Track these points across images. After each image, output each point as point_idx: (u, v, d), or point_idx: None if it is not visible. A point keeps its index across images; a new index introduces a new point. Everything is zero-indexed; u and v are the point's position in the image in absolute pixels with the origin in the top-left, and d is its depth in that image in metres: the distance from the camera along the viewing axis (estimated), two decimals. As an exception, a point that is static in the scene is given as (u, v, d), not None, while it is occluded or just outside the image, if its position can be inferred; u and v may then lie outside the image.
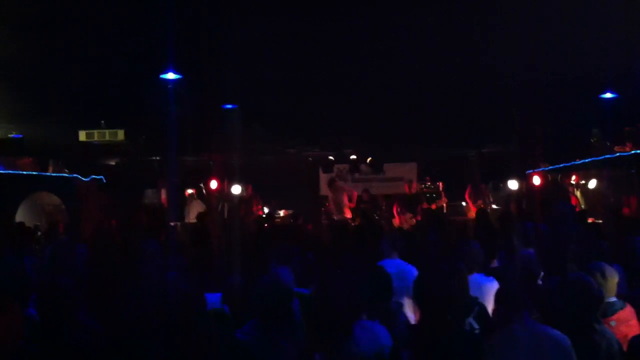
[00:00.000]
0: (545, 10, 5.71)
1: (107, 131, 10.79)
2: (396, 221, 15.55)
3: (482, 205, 15.91)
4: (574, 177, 16.04)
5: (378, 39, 6.72)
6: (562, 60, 7.29)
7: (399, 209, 15.76)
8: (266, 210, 18.14)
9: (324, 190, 20.24)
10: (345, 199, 16.06)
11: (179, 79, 6.73)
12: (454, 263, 5.25)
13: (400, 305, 4.93)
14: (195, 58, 6.38)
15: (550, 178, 16.93)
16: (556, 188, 16.01)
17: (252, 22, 5.80)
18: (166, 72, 6.50)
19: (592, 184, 15.64)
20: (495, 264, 6.65)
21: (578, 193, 15.90)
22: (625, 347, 4.46)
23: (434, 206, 17.04)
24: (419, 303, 4.28)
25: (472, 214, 14.87)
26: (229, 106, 8.49)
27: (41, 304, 4.23)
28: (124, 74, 7.28)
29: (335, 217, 15.06)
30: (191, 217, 16.09)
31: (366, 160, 18.67)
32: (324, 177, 19.88)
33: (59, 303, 4.13)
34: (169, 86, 6.90)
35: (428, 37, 6.67)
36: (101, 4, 5.30)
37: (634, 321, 4.67)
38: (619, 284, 5.04)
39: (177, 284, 4.85)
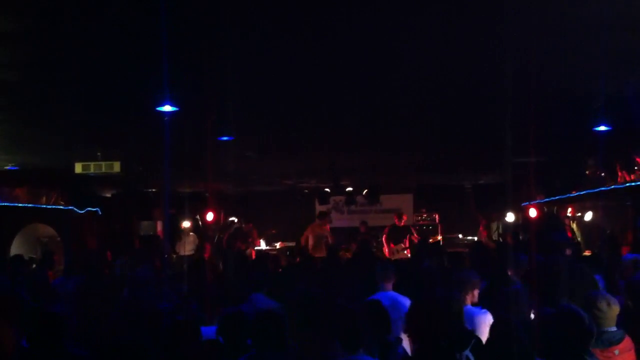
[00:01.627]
0: (539, 38, 5.76)
1: (103, 163, 10.79)
2: (385, 251, 15.54)
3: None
4: (569, 210, 16.09)
5: (374, 70, 6.78)
6: (556, 92, 7.36)
7: (389, 240, 15.78)
8: (262, 242, 18.14)
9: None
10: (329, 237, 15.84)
11: (175, 111, 6.76)
12: (449, 291, 5.28)
13: (400, 340, 4.91)
14: (192, 91, 6.43)
15: (546, 210, 16.99)
16: (552, 220, 16.05)
17: (247, 54, 5.86)
18: (163, 105, 6.53)
19: (588, 216, 15.70)
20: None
21: (574, 225, 15.93)
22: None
23: (431, 239, 17.07)
24: (412, 333, 4.28)
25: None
26: (225, 138, 8.52)
27: (31, 330, 4.22)
28: (121, 106, 7.32)
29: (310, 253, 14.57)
30: (186, 249, 16.07)
31: (362, 192, 18.68)
32: (319, 209, 19.89)
33: (48, 331, 4.12)
34: (165, 118, 6.93)
35: (422, 69, 6.73)
36: (98, 36, 5.34)
37: (633, 351, 4.69)
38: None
39: (173, 315, 4.85)
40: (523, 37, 5.51)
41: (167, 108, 6.54)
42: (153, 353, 3.88)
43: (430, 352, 3.93)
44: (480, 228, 17.42)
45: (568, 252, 9.40)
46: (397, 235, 15.86)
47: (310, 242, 15.58)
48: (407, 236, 15.82)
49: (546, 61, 6.19)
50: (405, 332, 4.56)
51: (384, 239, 15.98)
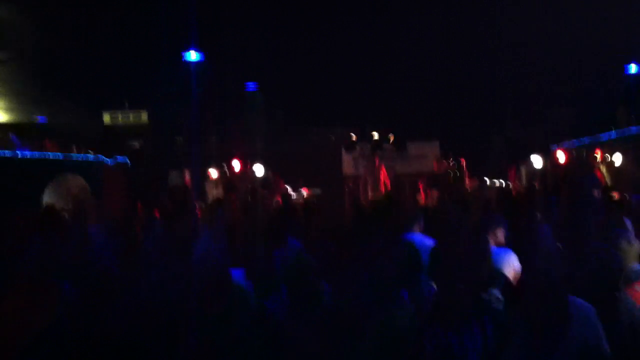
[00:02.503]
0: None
1: (130, 113, 10.87)
2: (422, 198, 15.57)
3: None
4: (599, 153, 15.91)
5: (401, 17, 6.68)
6: (586, 32, 7.20)
7: (425, 187, 15.82)
8: (289, 190, 18.21)
9: (347, 169, 20.26)
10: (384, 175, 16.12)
11: (201, 58, 6.75)
12: (470, 233, 5.30)
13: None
14: (217, 36, 6.40)
15: (574, 154, 16.81)
16: (581, 164, 15.91)
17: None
18: (188, 51, 6.52)
19: (617, 159, 15.51)
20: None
21: (603, 168, 15.78)
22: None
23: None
24: (434, 274, 4.32)
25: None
26: (251, 85, 8.49)
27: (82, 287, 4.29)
28: (147, 53, 7.32)
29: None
30: (212, 197, 16.21)
31: (389, 138, 18.60)
32: (346, 156, 19.88)
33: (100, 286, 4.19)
34: (192, 66, 6.92)
35: (452, 16, 6.61)
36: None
37: (658, 287, 4.70)
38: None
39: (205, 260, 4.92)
40: None
41: (193, 55, 6.52)
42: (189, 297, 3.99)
43: (448, 291, 3.97)
44: (512, 172, 17.32)
45: (596, 194, 9.37)
46: (434, 182, 16.00)
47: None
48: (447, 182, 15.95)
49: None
50: (428, 273, 4.61)
51: (420, 186, 16.06)
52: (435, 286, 4.41)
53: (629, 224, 6.46)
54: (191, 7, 4.87)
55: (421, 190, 15.90)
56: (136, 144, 16.90)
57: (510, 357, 3.56)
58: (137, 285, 4.64)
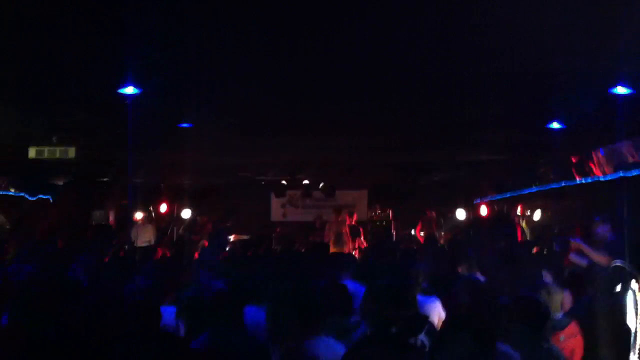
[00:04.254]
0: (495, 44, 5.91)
1: (57, 148, 10.57)
2: (349, 246, 15.81)
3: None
4: (519, 208, 16.48)
5: (335, 71, 6.86)
6: (510, 90, 7.53)
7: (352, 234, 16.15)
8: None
9: (275, 215, 20.28)
10: (347, 232, 16.33)
11: (136, 94, 6.70)
12: (399, 278, 5.43)
13: (360, 323, 5.00)
14: (154, 73, 6.38)
15: (496, 208, 17.36)
16: (501, 218, 16.42)
17: (213, 36, 5.85)
18: (125, 86, 6.47)
19: (537, 215, 16.12)
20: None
21: (524, 223, 16.32)
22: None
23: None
24: (366, 318, 4.40)
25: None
26: (185, 125, 8.46)
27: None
28: (80, 87, 7.20)
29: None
30: (140, 240, 15.91)
31: (318, 186, 18.78)
32: (275, 202, 19.91)
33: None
34: (127, 101, 6.85)
35: (383, 65, 6.81)
36: (56, 15, 5.26)
37: (579, 336, 4.89)
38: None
39: (134, 296, 4.85)
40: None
41: (129, 90, 6.48)
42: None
43: (382, 336, 4.04)
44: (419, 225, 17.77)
45: (502, 243, 9.80)
46: (352, 235, 16.30)
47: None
48: (359, 236, 16.34)
49: (504, 50, 6.31)
50: (361, 317, 4.67)
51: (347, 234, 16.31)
52: (365, 326, 4.47)
53: (547, 275, 6.74)
54: (128, 41, 4.88)
55: (346, 239, 16.18)
56: (60, 181, 16.49)
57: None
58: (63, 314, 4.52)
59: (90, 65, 6.21)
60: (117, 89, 6.52)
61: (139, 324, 4.14)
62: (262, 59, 6.48)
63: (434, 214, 17.63)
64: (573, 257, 7.86)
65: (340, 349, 4.11)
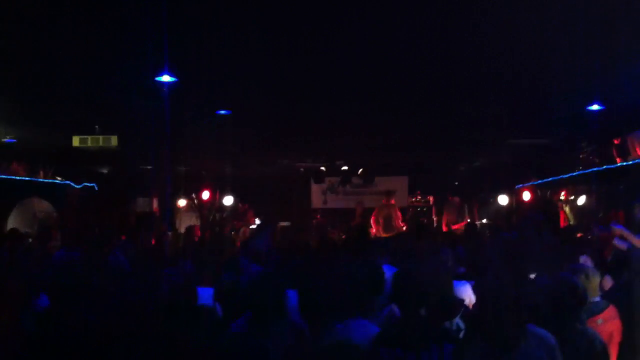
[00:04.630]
0: (533, 20, 5.84)
1: (100, 137, 10.80)
2: (372, 231, 15.71)
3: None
4: (563, 193, 16.21)
5: (371, 49, 6.84)
6: (549, 71, 7.43)
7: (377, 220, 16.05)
8: (258, 221, 18.21)
9: (315, 202, 20.33)
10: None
11: (174, 82, 6.80)
12: (431, 263, 5.43)
13: (388, 303, 5.03)
14: (191, 60, 6.47)
15: (539, 193, 17.11)
16: (545, 203, 16.18)
17: (248, 24, 5.90)
18: (161, 75, 6.57)
19: (581, 200, 15.83)
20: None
21: (567, 209, 16.05)
22: (611, 345, 4.60)
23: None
24: (395, 299, 4.43)
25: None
26: (223, 112, 8.55)
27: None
28: (119, 76, 7.35)
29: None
30: (182, 227, 16.15)
31: (357, 172, 18.75)
32: (315, 189, 19.95)
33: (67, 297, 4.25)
34: (164, 89, 6.97)
35: (419, 49, 6.78)
36: (95, 3, 5.37)
37: (618, 320, 4.83)
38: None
39: (171, 278, 4.95)
40: (512, 14, 5.58)
41: (166, 78, 6.58)
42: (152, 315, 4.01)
43: (409, 317, 4.06)
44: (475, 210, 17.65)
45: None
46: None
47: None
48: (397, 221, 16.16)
49: (535, 39, 6.25)
50: (391, 298, 4.70)
51: (372, 219, 16.18)
52: (397, 309, 4.49)
53: (587, 260, 6.65)
54: (165, 28, 4.95)
55: (372, 223, 16.11)
56: (104, 169, 16.83)
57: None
58: (105, 297, 4.65)
59: (128, 53, 6.33)
60: (155, 77, 6.63)
61: (175, 307, 4.22)
62: (296, 47, 6.54)
63: (456, 199, 17.49)
64: (616, 242, 7.73)
65: (373, 330, 4.14)
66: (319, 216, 19.69)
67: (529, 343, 3.70)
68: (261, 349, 3.67)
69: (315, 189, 20.04)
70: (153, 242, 10.50)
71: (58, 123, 10.77)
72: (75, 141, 10.94)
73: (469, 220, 17.14)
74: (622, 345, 4.80)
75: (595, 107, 8.09)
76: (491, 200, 18.25)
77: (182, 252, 9.24)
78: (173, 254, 9.86)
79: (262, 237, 9.57)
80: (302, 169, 19.04)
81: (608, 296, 5.19)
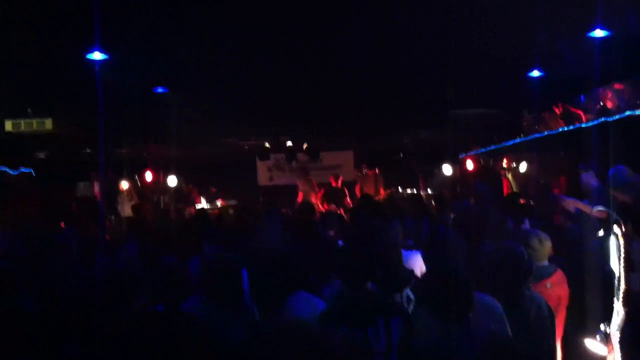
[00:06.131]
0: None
1: (34, 120, 10.41)
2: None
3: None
4: (505, 161, 16.45)
5: (317, 25, 6.71)
6: (489, 38, 7.42)
7: (322, 201, 15.99)
8: (203, 201, 17.96)
9: (262, 179, 20.16)
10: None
11: (105, 59, 6.53)
12: (372, 236, 5.39)
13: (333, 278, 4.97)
14: (123, 36, 6.22)
15: (482, 162, 17.33)
16: (488, 172, 16.39)
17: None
18: (92, 52, 6.30)
19: (523, 167, 16.08)
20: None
21: (510, 176, 16.29)
22: (559, 309, 4.63)
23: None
24: (338, 274, 4.38)
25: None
26: (160, 90, 8.28)
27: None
28: (48, 54, 7.02)
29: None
30: (126, 211, 15.81)
31: (302, 147, 18.67)
32: (261, 166, 19.78)
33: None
34: (96, 67, 6.68)
35: (365, 23, 6.68)
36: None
37: (565, 284, 4.86)
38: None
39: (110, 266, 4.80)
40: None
41: (97, 55, 6.31)
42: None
43: (352, 290, 4.01)
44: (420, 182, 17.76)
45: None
46: (331, 196, 16.07)
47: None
48: (343, 198, 16.08)
49: (476, 3, 6.21)
50: (337, 274, 4.64)
51: (317, 199, 16.14)
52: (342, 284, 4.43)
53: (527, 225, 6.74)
54: (93, 3, 4.70)
55: (317, 203, 16.08)
56: (41, 154, 16.30)
57: (417, 347, 3.58)
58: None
59: (56, 31, 6.04)
60: (85, 54, 6.35)
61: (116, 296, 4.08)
62: (239, 19, 6.35)
63: (370, 172, 17.71)
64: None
65: (319, 304, 4.07)
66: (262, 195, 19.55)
67: (477, 313, 3.67)
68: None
69: (261, 166, 19.87)
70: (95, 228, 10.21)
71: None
72: (8, 126, 10.54)
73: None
74: (569, 310, 4.85)
75: (535, 73, 8.13)
76: (435, 171, 18.40)
77: (126, 235, 8.97)
78: (116, 239, 9.58)
79: (271, 227, 9.22)
80: (246, 147, 18.83)
81: (555, 260, 5.22)
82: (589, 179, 7.75)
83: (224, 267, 4.24)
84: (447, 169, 17.62)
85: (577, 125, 9.29)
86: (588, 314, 4.86)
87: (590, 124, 8.91)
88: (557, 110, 10.36)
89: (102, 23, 5.57)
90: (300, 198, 16.53)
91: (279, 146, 18.24)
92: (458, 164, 17.83)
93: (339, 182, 16.64)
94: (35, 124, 10.40)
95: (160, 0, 5.55)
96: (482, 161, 17.16)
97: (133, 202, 16.37)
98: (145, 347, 3.13)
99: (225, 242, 7.29)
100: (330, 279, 4.83)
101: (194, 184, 18.38)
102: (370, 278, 4.00)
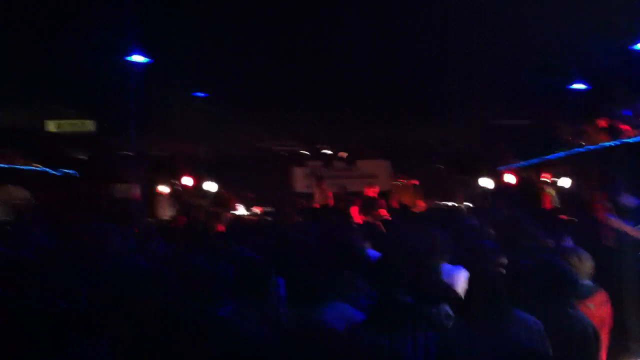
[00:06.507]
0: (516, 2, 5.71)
1: (77, 121, 10.56)
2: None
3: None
4: (545, 174, 16.15)
5: (350, 32, 6.69)
6: (530, 50, 7.30)
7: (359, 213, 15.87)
8: (242, 207, 18.00)
9: (299, 186, 20.16)
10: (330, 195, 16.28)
11: (148, 62, 6.58)
12: (411, 248, 5.29)
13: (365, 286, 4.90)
14: (165, 40, 6.27)
15: (523, 175, 17.05)
16: (528, 185, 16.12)
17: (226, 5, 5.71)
18: (132, 55, 6.35)
19: (564, 181, 15.76)
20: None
21: (551, 190, 15.98)
22: (602, 330, 4.47)
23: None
24: (372, 284, 4.30)
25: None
26: (200, 94, 8.32)
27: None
28: (91, 56, 7.10)
29: None
30: (165, 213, 15.95)
31: (339, 155, 18.64)
32: (299, 172, 19.78)
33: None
34: (138, 70, 6.74)
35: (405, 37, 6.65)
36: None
37: (608, 305, 4.69)
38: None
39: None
40: None
41: (138, 58, 6.36)
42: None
43: (384, 302, 3.93)
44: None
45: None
46: (367, 207, 15.94)
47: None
48: (379, 209, 15.94)
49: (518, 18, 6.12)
50: (371, 282, 4.57)
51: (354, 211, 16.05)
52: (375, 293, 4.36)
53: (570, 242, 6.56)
54: (138, 7, 4.76)
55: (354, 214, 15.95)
56: (84, 156, 16.53)
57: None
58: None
59: (99, 33, 6.12)
60: (126, 57, 6.41)
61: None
62: (275, 26, 6.35)
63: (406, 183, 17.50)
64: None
65: (355, 314, 4.01)
66: (303, 200, 19.53)
67: (514, 328, 3.58)
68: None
69: (299, 173, 19.88)
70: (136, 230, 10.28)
71: (31, 108, 10.48)
72: (51, 126, 10.70)
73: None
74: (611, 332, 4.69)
75: (578, 85, 7.98)
76: (472, 183, 18.17)
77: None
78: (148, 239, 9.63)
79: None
80: (284, 154, 18.88)
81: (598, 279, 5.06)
82: (628, 197, 7.56)
83: (254, 269, 4.20)
84: (485, 182, 17.40)
85: (621, 140, 9.07)
86: (631, 336, 4.71)
87: (635, 139, 8.68)
88: (600, 124, 10.12)
89: (144, 26, 5.62)
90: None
91: (317, 153, 18.25)
92: (496, 176, 17.60)
93: (375, 191, 16.54)
94: (77, 125, 10.54)
95: (201, 5, 5.58)
96: (522, 174, 16.89)
97: (174, 207, 16.55)
98: (172, 347, 3.12)
99: (259, 245, 7.27)
100: (361, 288, 4.76)
101: (229, 189, 18.46)
102: (405, 290, 3.92)
